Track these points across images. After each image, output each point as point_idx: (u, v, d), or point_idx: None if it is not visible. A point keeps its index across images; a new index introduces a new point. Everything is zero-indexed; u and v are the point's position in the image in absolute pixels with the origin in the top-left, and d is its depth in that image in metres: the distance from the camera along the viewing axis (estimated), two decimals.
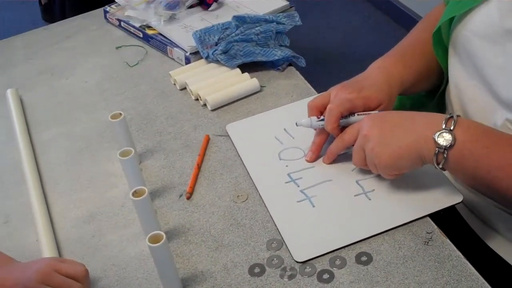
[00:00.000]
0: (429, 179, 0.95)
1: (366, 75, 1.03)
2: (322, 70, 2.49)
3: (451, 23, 1.00)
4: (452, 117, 0.84)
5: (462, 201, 0.92)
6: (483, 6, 0.94)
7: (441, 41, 1.05)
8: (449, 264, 0.83)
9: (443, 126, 0.83)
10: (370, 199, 0.93)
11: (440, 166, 0.84)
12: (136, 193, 0.87)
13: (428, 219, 0.90)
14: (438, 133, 0.83)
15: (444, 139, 0.83)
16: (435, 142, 0.83)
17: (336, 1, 3.27)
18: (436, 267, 0.83)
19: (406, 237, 0.88)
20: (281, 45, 1.29)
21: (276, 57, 1.25)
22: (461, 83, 1.00)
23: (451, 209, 0.95)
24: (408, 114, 0.90)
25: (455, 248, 0.86)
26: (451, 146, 0.82)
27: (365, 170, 0.97)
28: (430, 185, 0.94)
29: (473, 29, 0.95)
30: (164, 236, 0.79)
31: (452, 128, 0.83)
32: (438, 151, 0.83)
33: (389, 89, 1.01)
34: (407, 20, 2.77)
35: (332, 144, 0.98)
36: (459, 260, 0.84)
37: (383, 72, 1.03)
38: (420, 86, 1.10)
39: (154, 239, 0.79)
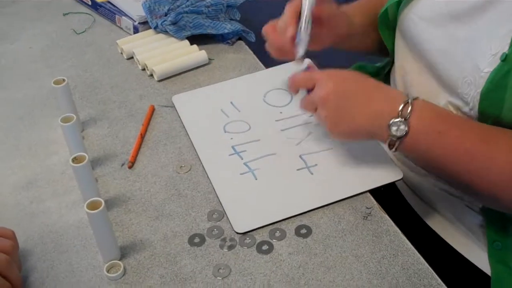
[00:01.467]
0: (370, 156, 0.96)
1: None
2: None
3: (399, 5, 1.01)
4: (408, 102, 0.82)
5: (402, 179, 0.93)
6: None
7: (387, 22, 1.05)
8: (386, 239, 0.85)
9: (399, 114, 0.82)
10: (312, 174, 0.94)
11: (392, 150, 0.85)
12: (76, 160, 0.86)
13: (368, 194, 0.91)
14: (392, 121, 0.82)
15: (398, 128, 0.82)
16: (389, 131, 0.83)
17: None
18: (373, 241, 0.84)
19: (346, 211, 0.89)
20: (231, 19, 1.28)
21: (226, 31, 1.24)
22: (406, 65, 1.01)
23: (392, 186, 0.97)
24: (365, 87, 0.88)
25: (393, 223, 0.87)
26: (404, 135, 0.82)
27: (309, 145, 0.98)
28: (371, 162, 0.95)
29: (419, 12, 0.96)
30: (103, 202, 0.78)
31: (407, 117, 0.82)
32: (391, 139, 0.83)
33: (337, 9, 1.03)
34: None
35: (297, 77, 0.94)
36: (397, 235, 0.85)
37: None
38: (356, 40, 1.12)
39: (93, 206, 0.78)
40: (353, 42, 1.10)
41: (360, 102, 0.86)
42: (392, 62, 1.11)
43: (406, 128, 0.82)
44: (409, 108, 0.82)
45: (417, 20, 0.96)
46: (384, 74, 1.14)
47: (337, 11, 1.02)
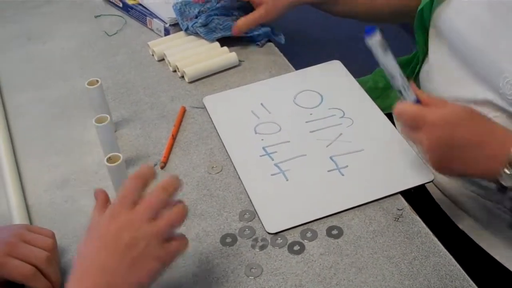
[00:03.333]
0: (401, 157, 0.96)
1: None
2: (301, 49, 2.48)
3: (432, 2, 1.01)
4: None
5: (433, 181, 0.93)
6: None
7: (423, 21, 1.05)
8: (418, 240, 0.85)
9: (506, 169, 0.78)
10: (343, 175, 0.94)
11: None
12: (110, 159, 0.87)
13: (399, 196, 0.91)
14: (504, 171, 0.78)
15: (508, 180, 0.78)
16: (498, 182, 0.79)
17: None
18: (405, 243, 0.85)
19: (377, 212, 0.89)
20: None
21: (256, 33, 1.25)
22: (443, 63, 1.01)
23: (422, 188, 0.97)
24: (478, 133, 0.81)
25: (424, 225, 0.87)
26: None
27: (339, 146, 0.98)
28: (402, 163, 0.95)
29: (456, 7, 0.96)
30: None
31: None
32: (499, 188, 0.80)
33: None
34: None
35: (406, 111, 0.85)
36: (428, 236, 0.85)
37: None
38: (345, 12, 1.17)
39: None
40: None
41: (470, 153, 0.81)
42: (421, 62, 1.11)
43: None
44: None
45: (454, 16, 0.96)
46: (414, 74, 1.13)
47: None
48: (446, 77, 1.01)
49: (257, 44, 1.26)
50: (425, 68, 1.09)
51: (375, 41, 0.79)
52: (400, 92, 0.82)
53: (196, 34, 1.26)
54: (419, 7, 1.04)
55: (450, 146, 0.81)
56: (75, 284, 0.68)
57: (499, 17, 0.89)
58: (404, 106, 0.84)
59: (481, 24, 0.92)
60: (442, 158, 0.82)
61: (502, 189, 0.80)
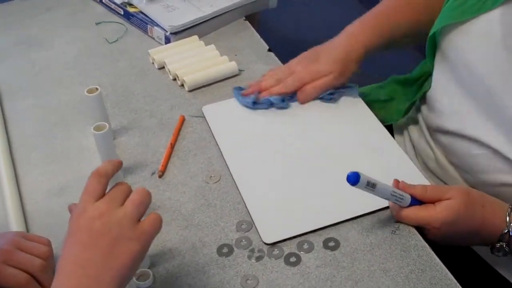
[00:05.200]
0: (399, 170, 0.96)
1: (330, 44, 1.10)
2: None
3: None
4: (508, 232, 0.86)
5: None
6: (486, 14, 0.89)
7: (434, 46, 1.02)
8: (414, 254, 0.85)
9: (499, 244, 0.87)
10: (341, 186, 0.94)
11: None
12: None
13: None
14: (497, 246, 0.87)
15: (500, 252, 0.88)
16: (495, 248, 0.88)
17: None
18: (401, 256, 0.84)
19: (374, 225, 0.89)
20: None
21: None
22: (445, 91, 1.00)
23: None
24: (475, 227, 0.87)
25: (421, 238, 0.87)
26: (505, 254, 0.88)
27: (337, 157, 0.98)
28: (400, 175, 0.94)
29: (469, 40, 0.92)
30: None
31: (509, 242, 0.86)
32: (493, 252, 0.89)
33: (345, 62, 1.07)
34: None
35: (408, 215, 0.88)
36: (425, 250, 0.85)
37: (347, 41, 1.08)
38: (387, 49, 1.14)
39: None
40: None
41: (469, 237, 0.89)
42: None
43: (508, 249, 0.87)
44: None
45: (466, 47, 0.92)
46: (422, 94, 1.11)
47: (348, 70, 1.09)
48: (449, 106, 0.99)
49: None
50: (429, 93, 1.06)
51: (362, 185, 0.81)
52: (397, 201, 0.86)
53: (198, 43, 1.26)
54: (431, 32, 0.99)
55: (452, 239, 0.88)
56: (57, 285, 0.68)
57: None
58: (405, 214, 0.87)
59: (496, 63, 0.88)
60: (445, 241, 0.89)
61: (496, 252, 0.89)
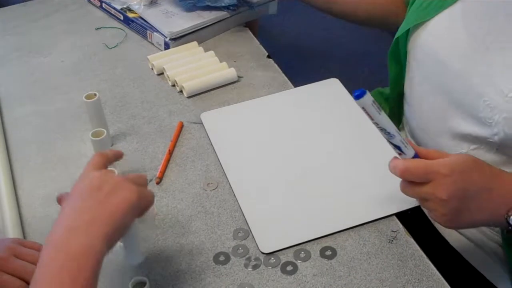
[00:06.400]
0: (397, 179, 0.96)
1: None
2: (302, 65, 2.50)
3: (408, 32, 1.02)
4: None
5: None
6: (446, 11, 0.95)
7: (397, 53, 1.07)
8: (411, 263, 0.84)
9: None
10: (339, 195, 0.94)
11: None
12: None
13: (394, 218, 0.91)
14: (510, 215, 0.79)
15: None
16: (507, 223, 0.80)
17: None
18: (398, 265, 0.84)
19: (371, 234, 0.89)
20: None
21: (223, 4, 1.31)
22: (417, 88, 1.01)
23: (418, 209, 0.96)
24: (485, 181, 0.80)
25: (418, 247, 0.87)
26: None
27: (335, 166, 0.98)
28: (397, 184, 0.94)
29: (434, 32, 0.96)
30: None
31: None
32: (509, 230, 0.81)
33: None
34: None
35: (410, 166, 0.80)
36: (422, 259, 0.85)
37: None
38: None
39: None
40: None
41: (480, 200, 0.79)
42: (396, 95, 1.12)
43: None
44: None
45: (432, 41, 0.96)
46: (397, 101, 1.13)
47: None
48: (426, 108, 1.01)
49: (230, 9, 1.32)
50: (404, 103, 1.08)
51: (367, 102, 0.75)
52: (399, 148, 0.80)
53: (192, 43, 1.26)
54: (396, 36, 1.03)
55: (464, 196, 0.78)
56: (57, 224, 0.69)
57: (479, 41, 0.89)
58: (409, 163, 0.79)
59: (461, 49, 0.91)
60: (454, 211, 0.79)
61: (508, 232, 0.81)
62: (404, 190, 0.82)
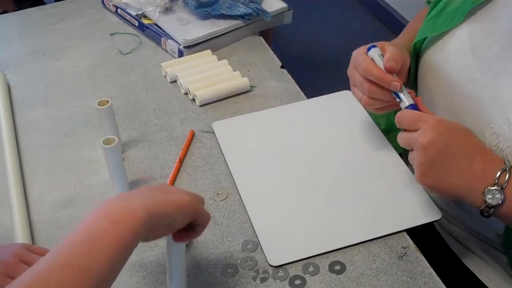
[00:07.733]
0: (409, 194, 0.95)
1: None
2: (315, 74, 2.49)
3: (422, 42, 1.00)
4: (506, 170, 0.78)
5: (440, 219, 0.92)
6: (456, 30, 0.93)
7: (417, 54, 1.04)
8: (421, 281, 0.84)
9: (495, 182, 0.78)
10: (349, 210, 0.93)
11: (485, 215, 0.80)
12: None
13: (405, 234, 0.90)
14: (487, 189, 0.78)
15: (493, 197, 0.78)
16: (483, 198, 0.79)
17: (336, 6, 3.28)
18: (408, 282, 0.83)
19: (381, 250, 0.88)
20: (251, 1, 1.34)
21: (238, 13, 1.32)
22: (430, 98, 1.00)
23: (430, 226, 0.96)
24: (469, 146, 0.81)
25: (428, 265, 0.86)
26: (499, 204, 0.78)
27: (346, 180, 0.97)
28: (409, 200, 0.94)
29: (445, 55, 0.94)
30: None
31: (504, 185, 0.78)
32: (485, 207, 0.79)
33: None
34: (401, 29, 2.80)
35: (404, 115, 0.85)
36: (432, 277, 0.84)
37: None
38: None
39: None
40: None
41: (459, 162, 0.80)
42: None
43: (502, 197, 0.78)
44: (507, 176, 0.78)
45: (443, 63, 0.94)
46: None
47: (401, 50, 0.96)
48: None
49: (246, 18, 1.34)
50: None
51: (376, 52, 0.92)
52: (397, 95, 0.89)
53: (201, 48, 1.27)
54: (414, 41, 1.02)
55: (443, 153, 0.80)
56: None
57: (486, 67, 0.87)
58: (404, 111, 0.86)
59: (469, 73, 0.89)
60: (431, 163, 0.80)
61: (484, 212, 0.80)
62: (398, 138, 0.86)
